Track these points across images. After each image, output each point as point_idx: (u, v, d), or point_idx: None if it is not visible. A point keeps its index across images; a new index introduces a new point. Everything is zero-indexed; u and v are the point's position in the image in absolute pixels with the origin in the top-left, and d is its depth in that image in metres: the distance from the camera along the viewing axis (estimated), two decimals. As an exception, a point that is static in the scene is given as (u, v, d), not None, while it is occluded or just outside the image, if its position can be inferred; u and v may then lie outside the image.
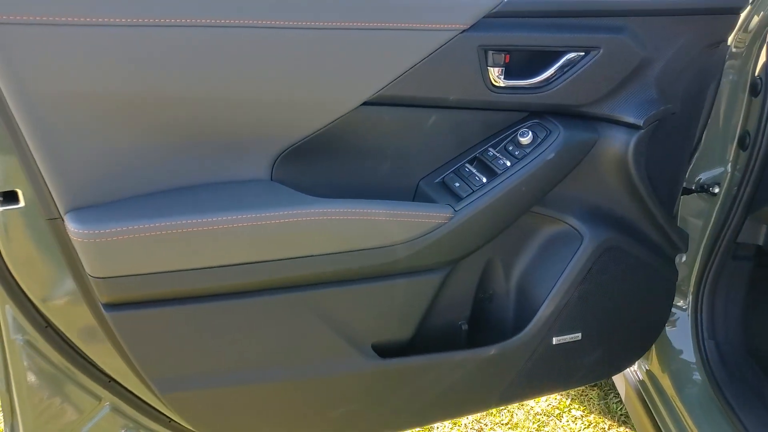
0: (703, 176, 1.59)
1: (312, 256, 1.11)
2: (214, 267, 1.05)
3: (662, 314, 1.54)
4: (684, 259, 1.67)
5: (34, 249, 1.09)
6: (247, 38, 0.99)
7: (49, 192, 0.98)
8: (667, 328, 1.69)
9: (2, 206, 1.04)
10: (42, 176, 0.96)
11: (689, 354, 1.67)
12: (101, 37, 0.91)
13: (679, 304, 1.70)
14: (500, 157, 1.23)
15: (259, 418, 1.23)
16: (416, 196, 1.27)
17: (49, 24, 0.88)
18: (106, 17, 0.91)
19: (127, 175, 1.01)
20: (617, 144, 1.26)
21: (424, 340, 1.35)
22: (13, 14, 0.86)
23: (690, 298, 1.68)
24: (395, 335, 1.28)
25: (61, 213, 0.99)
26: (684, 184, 1.53)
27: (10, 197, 1.04)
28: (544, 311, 1.34)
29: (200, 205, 1.04)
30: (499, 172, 1.21)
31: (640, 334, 1.52)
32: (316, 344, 1.20)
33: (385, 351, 1.28)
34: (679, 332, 1.70)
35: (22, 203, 1.04)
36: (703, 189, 1.58)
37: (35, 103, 0.91)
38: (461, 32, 1.11)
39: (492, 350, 1.32)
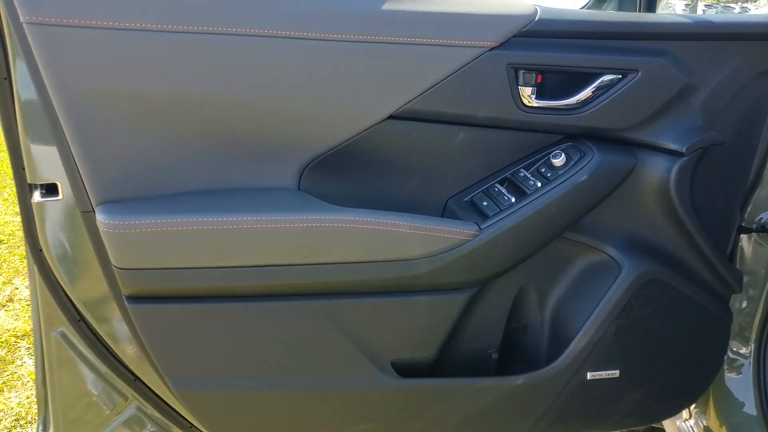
0: (765, 216, 1.49)
1: (331, 263, 1.11)
2: (234, 267, 1.08)
3: (714, 360, 1.43)
4: (745, 304, 1.55)
5: (71, 241, 1.16)
6: (278, 48, 1.04)
7: (84, 186, 1.04)
8: (728, 377, 1.57)
9: (43, 198, 1.12)
10: (79, 170, 1.03)
11: (751, 407, 1.53)
12: (140, 41, 0.99)
13: (741, 351, 1.58)
14: (531, 178, 1.21)
15: (270, 425, 1.22)
16: (444, 214, 1.26)
17: (93, 27, 0.96)
18: (145, 23, 0.98)
19: (158, 174, 1.07)
20: (658, 171, 1.22)
21: (450, 366, 1.31)
22: (59, 17, 0.95)
23: (752, 346, 1.55)
24: (417, 355, 1.25)
25: (93, 206, 1.05)
26: (743, 223, 1.44)
27: (51, 190, 1.12)
28: (577, 343, 1.28)
29: (225, 205, 1.07)
30: (528, 192, 1.19)
31: (688, 380, 1.42)
32: (333, 355, 1.19)
33: (406, 371, 1.25)
34: (742, 382, 1.57)
35: (61, 196, 1.12)
36: (765, 229, 1.48)
37: (75, 101, 0.99)
38: (490, 50, 1.11)
39: (520, 380, 1.27)
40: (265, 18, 1.02)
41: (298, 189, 1.17)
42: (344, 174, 1.19)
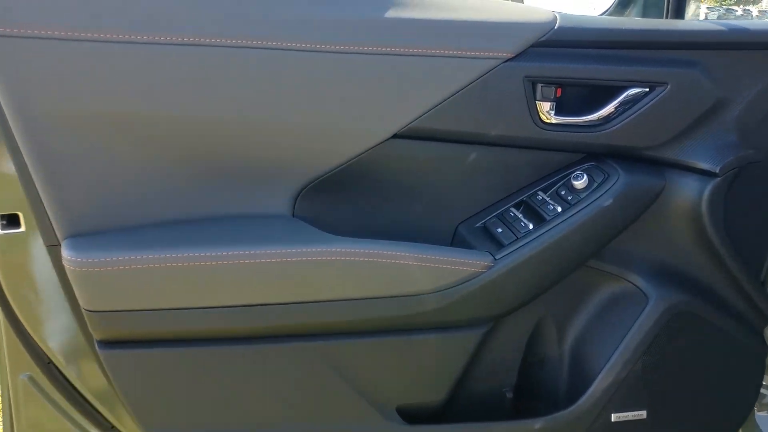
0: None
1: (329, 301, 1.00)
2: (220, 307, 0.96)
3: (748, 396, 1.31)
4: None
5: (35, 278, 1.03)
6: (270, 61, 0.93)
7: (49, 217, 0.92)
8: (758, 415, 1.46)
9: (4, 230, 1.00)
10: (42, 199, 0.91)
11: (783, 446, 1.42)
12: (109, 53, 0.87)
13: None
14: (550, 202, 1.10)
15: None
16: (454, 241, 1.15)
17: (55, 39, 0.85)
18: (115, 33, 0.87)
19: (133, 203, 0.95)
20: (688, 193, 1.11)
21: (461, 408, 1.20)
22: (15, 27, 0.83)
23: None
24: (425, 399, 1.13)
25: (59, 239, 0.93)
26: None
27: (12, 221, 1.00)
28: (601, 382, 1.16)
29: (208, 237, 0.96)
30: (548, 218, 1.08)
31: (719, 419, 1.30)
32: (332, 402, 1.07)
33: (413, 417, 1.13)
34: None
35: (23, 227, 1.00)
36: None
37: (36, 121, 0.87)
38: (505, 61, 1.01)
39: (538, 423, 1.15)
40: (255, 27, 0.91)
41: (293, 215, 1.05)
42: (344, 198, 1.08)
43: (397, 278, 1.01)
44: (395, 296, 1.02)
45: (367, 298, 1.01)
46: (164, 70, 0.89)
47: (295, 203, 1.05)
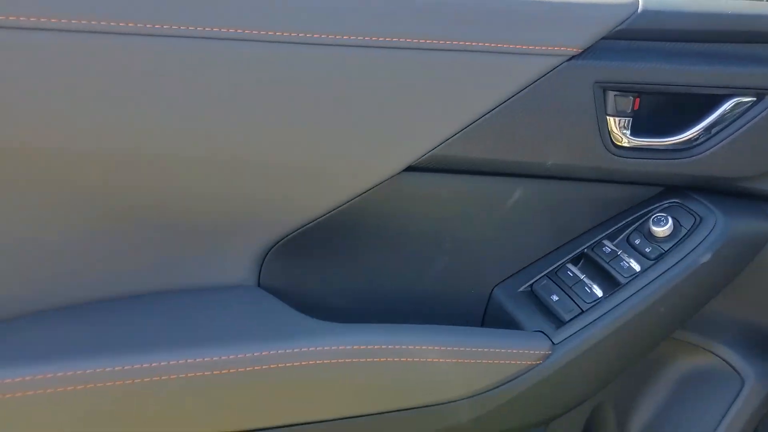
0: None
1: (317, 422, 0.68)
2: None
3: None
4: None
5: None
6: (229, 56, 0.62)
7: None
8: None
9: None
10: None
11: None
12: None
13: None
14: (622, 255, 0.79)
15: None
16: (489, 311, 0.84)
17: None
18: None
19: (12, 286, 0.62)
20: None
21: None
22: None
23: None
24: None
25: None
26: None
27: None
28: None
29: (129, 336, 0.63)
30: (622, 280, 0.77)
31: None
32: None
33: None
34: None
35: None
36: None
37: None
38: (568, 59, 0.70)
39: None
40: (229, 13, 0.61)
41: (257, 285, 0.74)
42: (333, 257, 0.77)
43: (416, 382, 0.70)
44: (414, 408, 0.71)
45: (372, 414, 0.69)
46: (60, 72, 0.57)
47: (261, 267, 0.74)
